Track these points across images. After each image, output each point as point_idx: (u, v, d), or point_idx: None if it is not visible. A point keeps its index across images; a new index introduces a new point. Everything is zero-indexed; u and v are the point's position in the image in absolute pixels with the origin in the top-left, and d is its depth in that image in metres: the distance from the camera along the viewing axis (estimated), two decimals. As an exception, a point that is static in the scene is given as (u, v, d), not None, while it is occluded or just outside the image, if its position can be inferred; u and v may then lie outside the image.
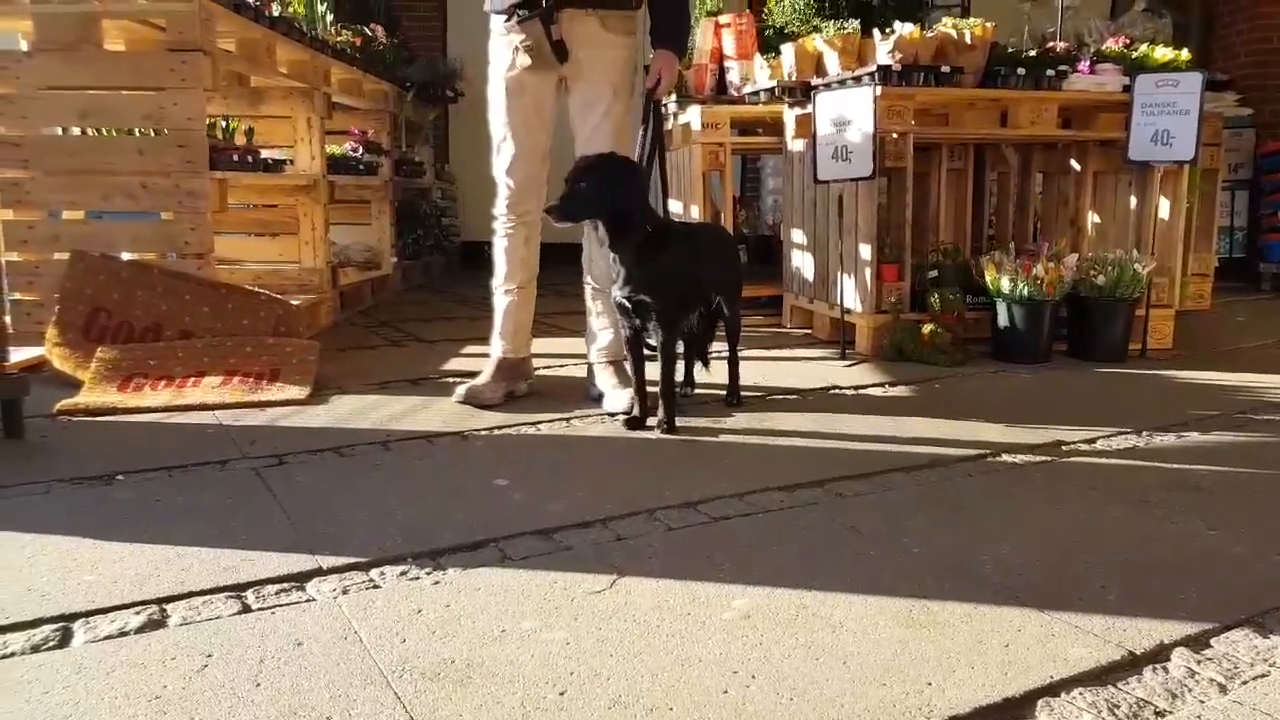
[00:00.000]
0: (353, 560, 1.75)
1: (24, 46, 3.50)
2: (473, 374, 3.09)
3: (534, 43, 2.76)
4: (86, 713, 1.26)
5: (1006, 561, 1.77)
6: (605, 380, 2.99)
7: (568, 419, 2.80)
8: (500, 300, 3.03)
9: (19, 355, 3.02)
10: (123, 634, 1.48)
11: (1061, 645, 1.45)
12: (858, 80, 3.80)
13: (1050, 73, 3.91)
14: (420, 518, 1.98)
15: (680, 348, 2.88)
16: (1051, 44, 4.12)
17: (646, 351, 2.76)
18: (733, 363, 3.02)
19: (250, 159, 4.05)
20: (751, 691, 1.32)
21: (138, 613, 1.55)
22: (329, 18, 4.79)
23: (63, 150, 3.54)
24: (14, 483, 2.17)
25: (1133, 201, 4.13)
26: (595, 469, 2.35)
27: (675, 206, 4.47)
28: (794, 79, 4.41)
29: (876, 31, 3.99)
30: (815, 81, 4.21)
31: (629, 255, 2.62)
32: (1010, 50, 4.00)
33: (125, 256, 3.53)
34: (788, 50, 4.49)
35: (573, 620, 1.53)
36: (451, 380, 3.19)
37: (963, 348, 3.71)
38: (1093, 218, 4.36)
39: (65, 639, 1.47)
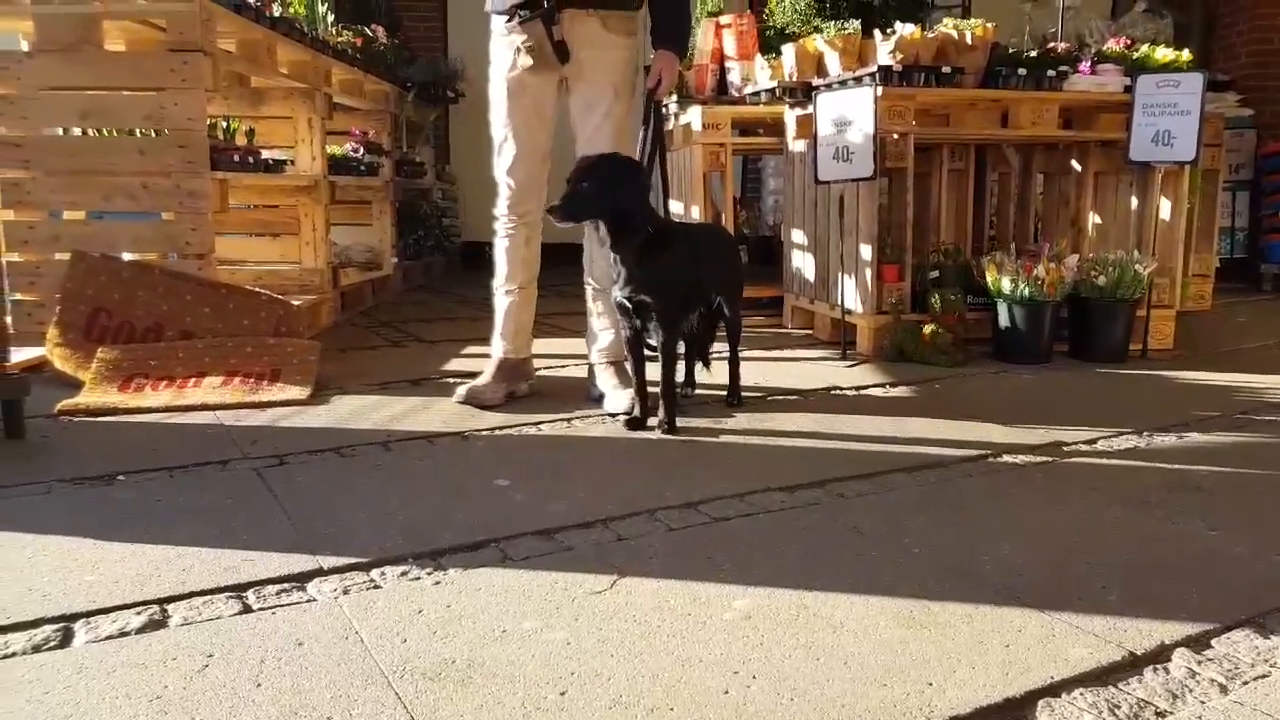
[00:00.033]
0: (353, 560, 1.75)
1: (25, 47, 3.50)
2: (473, 374, 3.09)
3: (535, 43, 2.76)
4: (87, 713, 1.26)
5: (1007, 562, 1.77)
6: (606, 381, 2.99)
7: (569, 419, 2.80)
8: (501, 301, 3.04)
9: (20, 355, 3.02)
10: (124, 634, 1.48)
11: (1062, 645, 1.45)
12: (859, 81, 3.80)
13: (1051, 73, 3.91)
14: (421, 518, 1.98)
15: (681, 348, 2.88)
16: (1052, 44, 4.12)
17: (647, 352, 2.76)
18: (733, 363, 3.02)
19: (251, 159, 4.05)
20: (752, 692, 1.32)
21: (139, 613, 1.55)
22: (330, 18, 4.79)
23: (63, 151, 3.54)
24: (15, 483, 2.18)
25: (1134, 202, 4.13)
26: (596, 469, 2.35)
27: (676, 207, 4.48)
28: (795, 79, 4.42)
29: (877, 32, 3.99)
30: (816, 82, 4.21)
31: (630, 255, 2.62)
32: (1011, 51, 4.00)
33: (126, 257, 3.53)
34: (788, 51, 4.49)
35: (574, 620, 1.53)
36: (452, 381, 3.19)
37: (964, 348, 3.71)
38: (1094, 218, 4.35)
39: (66, 639, 1.47)
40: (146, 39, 3.72)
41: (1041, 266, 3.61)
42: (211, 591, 1.62)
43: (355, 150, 5.21)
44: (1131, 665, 1.40)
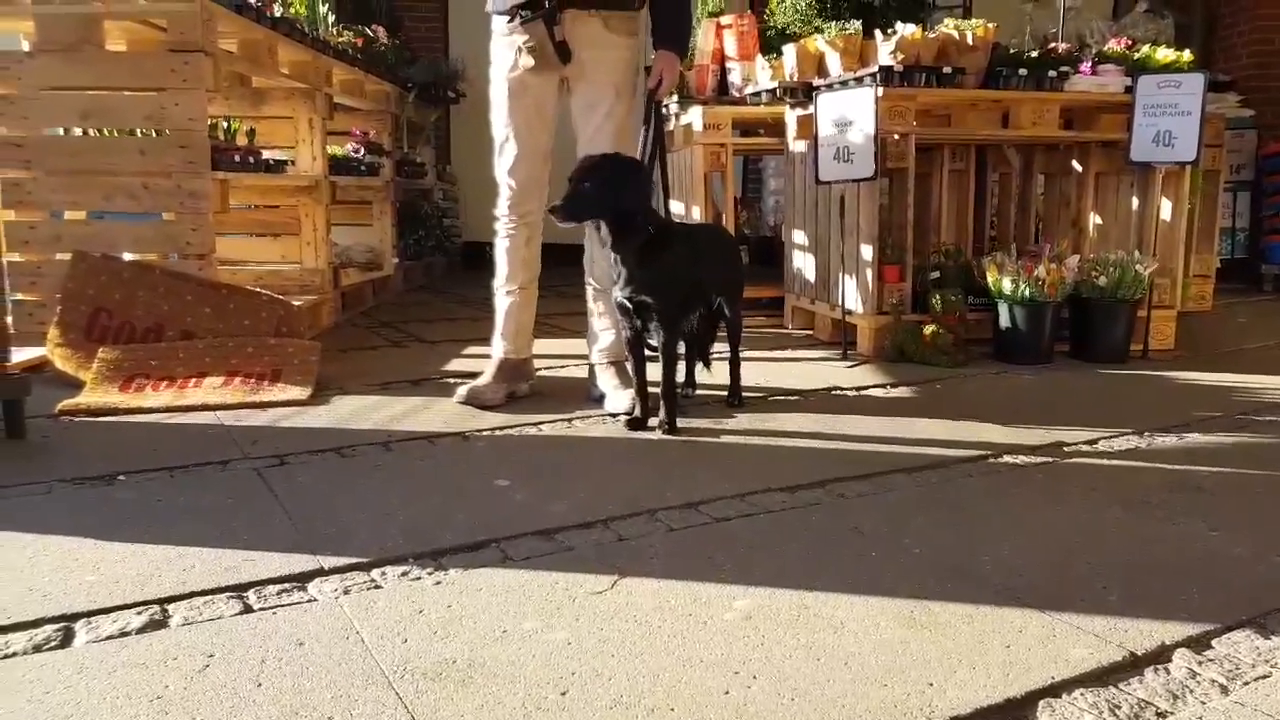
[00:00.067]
0: (354, 560, 1.75)
1: (25, 47, 3.50)
2: (474, 375, 3.09)
3: (537, 44, 2.76)
4: (88, 713, 1.26)
5: (1008, 562, 1.77)
6: (607, 381, 2.99)
7: (569, 420, 2.80)
8: (502, 301, 3.04)
9: (21, 355, 3.02)
10: (124, 634, 1.48)
11: (1063, 646, 1.45)
12: (859, 81, 3.80)
13: (1052, 74, 3.91)
14: (422, 518, 1.98)
15: (681, 348, 2.88)
16: (1053, 45, 4.12)
17: (648, 352, 2.76)
18: (734, 363, 3.02)
19: (252, 160, 4.05)
20: (753, 692, 1.32)
21: (139, 613, 1.55)
22: (331, 19, 4.80)
23: (64, 151, 3.54)
24: (16, 483, 2.18)
25: (1134, 202, 4.12)
26: (597, 470, 2.36)
27: (677, 207, 4.47)
28: (795, 80, 4.41)
29: (878, 32, 3.99)
30: (817, 82, 4.21)
31: (631, 256, 2.62)
32: (1012, 51, 4.00)
33: (127, 257, 3.54)
34: (789, 51, 4.49)
35: (574, 620, 1.53)
36: (453, 381, 3.19)
37: (964, 349, 3.71)
38: (1094, 219, 4.35)
39: (67, 639, 1.47)
40: (147, 39, 3.72)
41: (1042, 267, 3.61)
42: (212, 591, 1.62)
43: (356, 150, 5.21)
44: (1132, 665, 1.40)
